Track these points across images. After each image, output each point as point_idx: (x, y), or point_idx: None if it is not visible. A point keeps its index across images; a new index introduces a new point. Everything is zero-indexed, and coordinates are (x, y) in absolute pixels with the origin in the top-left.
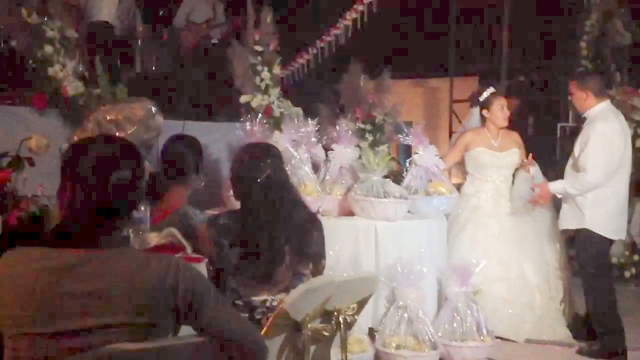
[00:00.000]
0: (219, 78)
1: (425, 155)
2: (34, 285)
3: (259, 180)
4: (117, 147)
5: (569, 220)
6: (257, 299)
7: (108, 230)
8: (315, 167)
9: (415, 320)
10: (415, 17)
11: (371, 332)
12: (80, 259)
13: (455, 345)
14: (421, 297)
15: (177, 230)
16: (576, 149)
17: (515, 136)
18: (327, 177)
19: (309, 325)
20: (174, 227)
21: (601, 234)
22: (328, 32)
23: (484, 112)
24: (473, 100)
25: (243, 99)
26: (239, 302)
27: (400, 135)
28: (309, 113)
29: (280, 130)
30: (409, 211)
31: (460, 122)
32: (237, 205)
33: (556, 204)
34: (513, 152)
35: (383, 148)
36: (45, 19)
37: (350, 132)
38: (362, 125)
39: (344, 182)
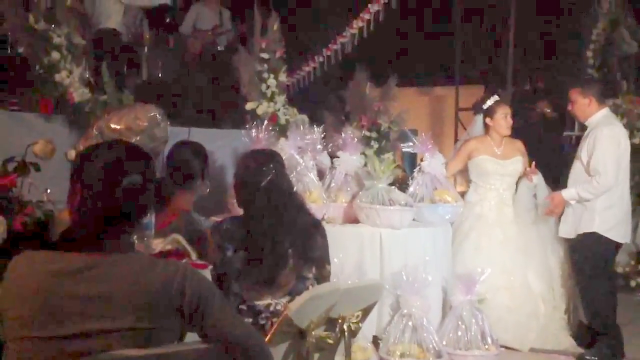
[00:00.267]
0: (224, 85)
1: (433, 163)
2: (40, 288)
3: (262, 185)
4: (127, 152)
5: (577, 225)
6: (261, 303)
7: (116, 234)
8: (321, 175)
9: (419, 328)
10: (421, 25)
11: (375, 340)
12: (87, 263)
13: (460, 354)
14: (426, 305)
15: (181, 237)
16: (583, 155)
17: (519, 144)
18: (333, 185)
19: (313, 333)
20: (179, 233)
21: (610, 237)
22: (334, 40)
23: (487, 120)
24: (477, 108)
25: (249, 106)
26: (242, 306)
27: (406, 144)
28: (314, 120)
29: (286, 137)
30: (414, 219)
31: (465, 130)
32: (241, 212)
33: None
34: (516, 160)
35: (388, 156)
36: (53, 25)
37: (355, 139)
38: (367, 133)
39: (349, 189)
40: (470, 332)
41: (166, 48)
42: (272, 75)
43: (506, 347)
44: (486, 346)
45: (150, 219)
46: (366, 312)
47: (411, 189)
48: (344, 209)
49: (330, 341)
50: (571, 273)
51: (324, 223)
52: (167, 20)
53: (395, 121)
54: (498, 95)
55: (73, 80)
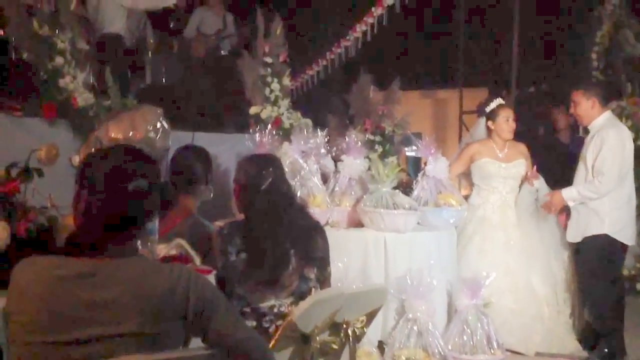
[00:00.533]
0: (228, 89)
1: (437, 167)
2: (45, 293)
3: (262, 189)
4: (131, 156)
5: (584, 228)
6: (264, 305)
7: (121, 240)
8: (325, 179)
9: (424, 333)
10: (425, 28)
11: (381, 345)
12: (92, 268)
13: (466, 358)
14: (431, 309)
15: (185, 242)
16: (589, 156)
17: (522, 147)
18: (336, 189)
19: (317, 338)
20: (183, 238)
21: (619, 239)
22: (338, 44)
23: (489, 123)
24: (480, 111)
25: (253, 110)
26: (246, 309)
27: (409, 147)
28: (318, 124)
29: (290, 141)
30: (418, 223)
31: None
32: (242, 217)
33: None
34: (519, 163)
35: (392, 159)
36: (56, 30)
37: (359, 143)
38: (371, 137)
39: (353, 193)
40: (475, 337)
41: (170, 52)
42: (275, 80)
43: (511, 351)
44: (492, 350)
45: (154, 223)
46: (371, 316)
47: (415, 192)
48: (348, 213)
49: (335, 346)
50: (575, 277)
51: (328, 227)
52: (171, 24)
53: (399, 125)
54: (502, 98)
55: (77, 85)
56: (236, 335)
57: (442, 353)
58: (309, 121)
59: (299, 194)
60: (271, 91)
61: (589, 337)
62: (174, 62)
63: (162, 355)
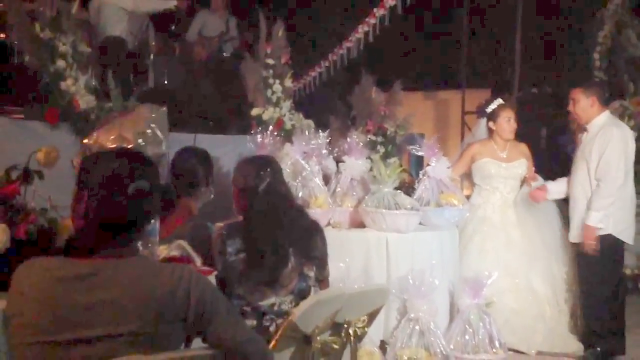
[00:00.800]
0: (230, 91)
1: (438, 167)
2: (46, 294)
3: (260, 189)
4: (132, 158)
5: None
6: (264, 303)
7: (122, 241)
8: (326, 179)
9: (426, 332)
10: (427, 29)
11: (383, 345)
12: (92, 269)
13: (468, 357)
14: (433, 309)
15: (186, 243)
16: (593, 156)
17: (523, 147)
18: (338, 189)
19: (318, 338)
20: (184, 239)
21: (622, 239)
22: (340, 45)
23: (490, 124)
24: (481, 112)
25: (254, 111)
26: (246, 308)
27: (413, 147)
28: (320, 125)
29: (292, 142)
30: (420, 223)
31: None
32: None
33: (564, 214)
34: (520, 163)
35: (394, 160)
36: (58, 34)
37: (361, 144)
38: (373, 137)
39: (354, 194)
40: (477, 336)
41: (172, 55)
42: (277, 81)
43: (513, 350)
44: (494, 350)
45: (155, 225)
46: (372, 316)
47: (417, 192)
48: (349, 214)
49: (336, 346)
50: (576, 277)
51: (330, 228)
52: (173, 28)
53: (401, 125)
54: (503, 99)
55: (79, 87)
56: (236, 337)
57: (444, 353)
58: (310, 122)
59: (300, 194)
60: (273, 93)
61: (589, 337)
62: (176, 65)
63: (162, 355)
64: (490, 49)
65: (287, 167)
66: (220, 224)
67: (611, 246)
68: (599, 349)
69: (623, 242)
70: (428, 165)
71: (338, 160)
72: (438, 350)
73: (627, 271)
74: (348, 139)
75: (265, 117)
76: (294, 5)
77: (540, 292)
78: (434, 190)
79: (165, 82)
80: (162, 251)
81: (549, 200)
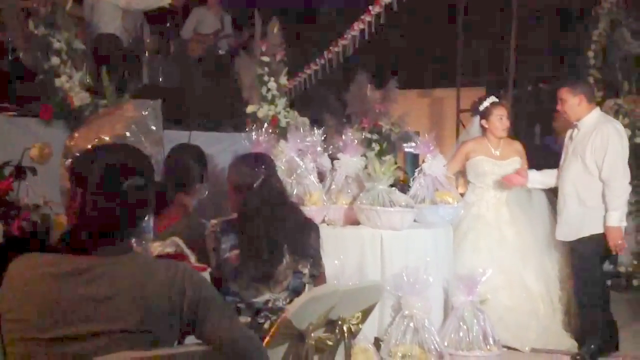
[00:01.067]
0: (225, 88)
1: (434, 165)
2: (40, 290)
3: (254, 186)
4: (127, 154)
5: (580, 227)
6: (259, 300)
7: (117, 237)
8: (321, 177)
9: (421, 329)
10: (422, 27)
11: (377, 342)
12: (87, 265)
13: (462, 354)
14: (427, 306)
15: (180, 240)
16: (588, 153)
17: (517, 145)
18: (333, 187)
19: (312, 335)
20: (178, 236)
21: None
22: (335, 43)
23: (483, 121)
24: (474, 109)
25: (249, 109)
26: (241, 305)
27: (408, 144)
28: (315, 123)
29: (286, 139)
30: (415, 220)
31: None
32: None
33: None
34: (514, 161)
35: (389, 157)
36: (52, 30)
37: (356, 141)
38: (368, 135)
39: (349, 191)
40: (472, 333)
41: (167, 52)
42: (272, 79)
43: (507, 347)
44: (488, 347)
45: (149, 221)
46: (366, 313)
47: (412, 190)
48: (344, 211)
49: (330, 343)
50: (570, 275)
51: (324, 225)
52: (168, 24)
53: (396, 123)
54: (498, 97)
55: (73, 84)
56: (231, 333)
57: (438, 349)
58: (305, 120)
59: (295, 192)
60: (268, 90)
61: (583, 334)
62: (171, 62)
63: (157, 351)
64: (485, 46)
65: (281, 165)
66: (214, 221)
67: (605, 244)
68: (593, 346)
69: None
70: (423, 162)
71: (333, 158)
72: (432, 347)
73: (622, 269)
74: (343, 137)
75: (260, 114)
76: (290, 3)
77: (533, 289)
78: (429, 187)
79: (160, 79)
80: (156, 248)
81: (542, 199)
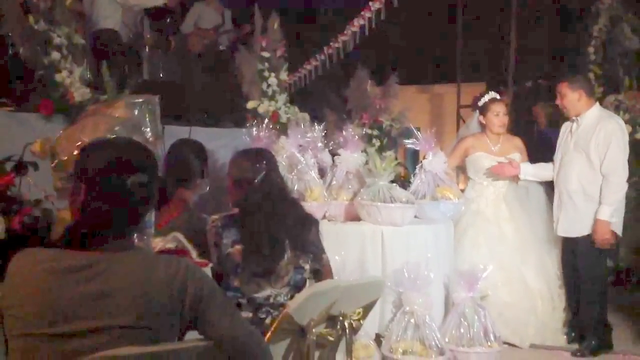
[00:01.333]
0: (226, 84)
1: (434, 161)
2: (42, 285)
3: (255, 182)
4: (130, 150)
5: (583, 224)
6: (260, 295)
7: (119, 233)
8: (322, 173)
9: (422, 325)
10: (422, 22)
11: (378, 338)
12: (89, 260)
13: (463, 350)
14: (428, 302)
15: (181, 235)
16: (592, 148)
17: (517, 141)
18: (334, 182)
19: (313, 330)
20: (180, 231)
21: (616, 231)
22: (335, 39)
23: (481, 117)
24: (474, 105)
25: (250, 104)
26: (242, 300)
27: (409, 140)
28: (316, 118)
29: (287, 135)
30: (415, 216)
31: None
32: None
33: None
34: (513, 157)
35: (390, 153)
36: (52, 25)
37: (357, 137)
38: (369, 131)
39: (350, 187)
40: (472, 329)
41: (167, 47)
42: (273, 74)
43: (507, 344)
44: (489, 343)
45: (151, 217)
46: (367, 309)
47: (413, 186)
48: (345, 207)
49: (331, 338)
50: (570, 272)
51: (325, 221)
52: (168, 20)
53: (396, 119)
54: (499, 93)
55: (73, 80)
56: (232, 329)
57: (439, 345)
58: (306, 115)
59: (296, 187)
60: (268, 86)
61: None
62: (171, 58)
63: (158, 347)
64: (485, 42)
65: (282, 160)
66: (214, 216)
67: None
68: (593, 342)
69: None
70: (424, 158)
71: (333, 154)
72: (433, 343)
73: (621, 265)
74: (344, 132)
75: (260, 110)
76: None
77: (533, 286)
78: (429, 183)
79: (161, 74)
80: (158, 243)
81: (540, 194)
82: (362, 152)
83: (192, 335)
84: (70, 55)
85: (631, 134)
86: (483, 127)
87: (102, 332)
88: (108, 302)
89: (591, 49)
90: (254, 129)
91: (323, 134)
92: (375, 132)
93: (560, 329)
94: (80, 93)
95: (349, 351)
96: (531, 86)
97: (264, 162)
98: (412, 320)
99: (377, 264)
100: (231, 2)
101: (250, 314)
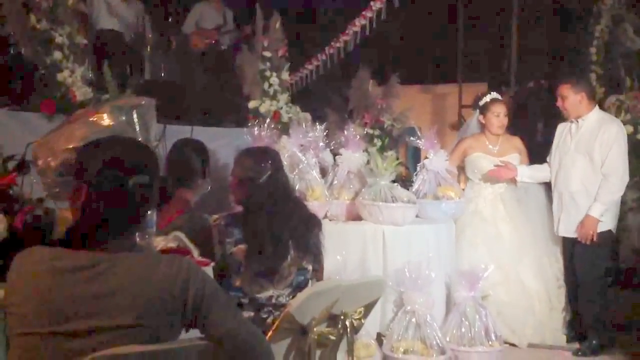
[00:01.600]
0: (227, 84)
1: (436, 160)
2: (44, 285)
3: (260, 181)
4: (131, 149)
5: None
6: (262, 295)
7: (121, 232)
8: (323, 172)
9: (423, 325)
10: (424, 22)
11: (379, 337)
12: (91, 260)
13: (464, 350)
14: (429, 301)
15: (183, 235)
16: (596, 151)
17: (516, 141)
18: (335, 182)
19: (315, 329)
20: (181, 231)
21: (614, 231)
22: (337, 38)
23: (480, 117)
24: (475, 105)
25: (251, 104)
26: (244, 300)
27: (412, 138)
28: (317, 118)
29: (289, 135)
30: (417, 215)
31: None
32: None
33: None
34: (512, 158)
35: (391, 153)
36: (54, 25)
37: (358, 137)
38: (370, 130)
39: (351, 186)
40: (474, 329)
41: (169, 47)
42: (274, 74)
43: (506, 343)
44: (490, 342)
45: (152, 216)
46: (368, 308)
47: (415, 185)
48: (346, 207)
49: (333, 337)
50: (571, 272)
51: (326, 221)
52: (170, 20)
53: (398, 119)
54: (499, 93)
55: (75, 79)
56: (234, 328)
57: (440, 345)
58: (307, 115)
59: (297, 187)
60: (270, 85)
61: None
62: (173, 58)
63: (158, 346)
64: (487, 42)
65: (284, 160)
66: (216, 216)
67: (609, 242)
68: (594, 341)
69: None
70: (426, 157)
71: (335, 153)
72: (434, 342)
73: (622, 265)
74: (345, 132)
75: (262, 109)
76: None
77: (530, 286)
78: (431, 182)
79: (162, 74)
80: (159, 243)
81: (540, 195)
82: (363, 151)
83: (195, 334)
84: (72, 55)
85: (633, 135)
86: (482, 127)
87: (103, 332)
88: (109, 302)
89: (593, 50)
90: (256, 128)
91: (324, 133)
92: (377, 132)
93: (559, 328)
94: (82, 92)
95: (350, 350)
96: (532, 87)
97: (269, 161)
98: (414, 320)
99: (379, 264)
100: (232, 2)
101: (252, 314)
